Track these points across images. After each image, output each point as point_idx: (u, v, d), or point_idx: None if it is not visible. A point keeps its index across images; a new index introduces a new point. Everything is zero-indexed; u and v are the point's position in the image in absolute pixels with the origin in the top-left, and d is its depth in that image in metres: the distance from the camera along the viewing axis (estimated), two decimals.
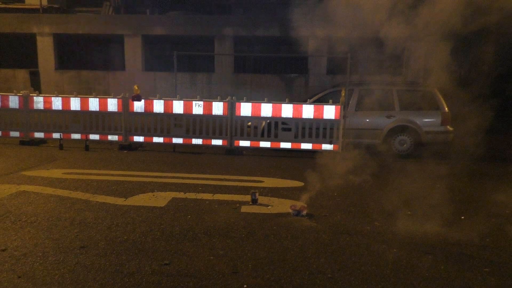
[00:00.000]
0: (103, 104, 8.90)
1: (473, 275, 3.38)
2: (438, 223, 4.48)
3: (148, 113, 8.84)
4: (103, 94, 10.43)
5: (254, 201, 5.09)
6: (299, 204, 5.04)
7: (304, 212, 4.74)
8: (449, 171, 6.96)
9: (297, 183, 6.19)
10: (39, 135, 9.16)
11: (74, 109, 8.96)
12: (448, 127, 8.80)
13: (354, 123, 8.91)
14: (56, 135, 9.00)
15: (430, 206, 5.05)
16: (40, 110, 9.09)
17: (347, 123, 8.66)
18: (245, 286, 3.11)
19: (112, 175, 6.45)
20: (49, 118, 9.14)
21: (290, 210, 4.80)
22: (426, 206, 5.09)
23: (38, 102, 9.07)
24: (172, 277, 3.22)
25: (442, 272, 3.40)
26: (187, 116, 8.77)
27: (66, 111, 9.01)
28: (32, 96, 9.11)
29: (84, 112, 8.96)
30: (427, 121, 8.86)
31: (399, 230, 4.33)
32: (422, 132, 8.79)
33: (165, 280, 3.17)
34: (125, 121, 8.86)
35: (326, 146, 8.54)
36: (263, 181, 6.25)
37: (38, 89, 13.11)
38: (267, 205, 5.05)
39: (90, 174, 6.46)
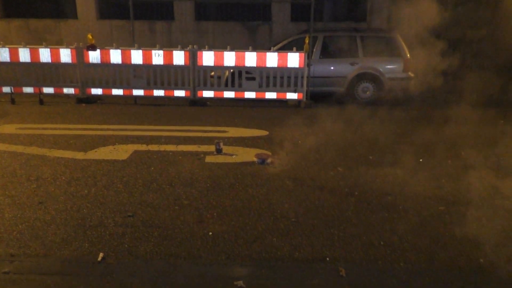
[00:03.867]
0: (55, 55, 8.35)
1: (429, 213, 3.54)
2: (398, 166, 4.62)
3: (105, 64, 8.39)
4: (55, 45, 9.79)
5: (219, 151, 5.05)
6: (263, 152, 5.05)
7: (269, 160, 4.76)
8: (410, 117, 7.15)
9: (262, 132, 6.17)
10: None
11: (23, 61, 8.38)
12: (409, 73, 8.90)
13: (318, 71, 8.85)
14: (6, 89, 8.44)
15: (391, 151, 5.18)
16: None
17: (311, 71, 8.59)
18: (210, 233, 3.13)
19: (70, 129, 6.18)
20: None
21: (255, 159, 4.80)
22: (387, 151, 5.22)
23: None
24: (137, 228, 3.19)
25: (401, 212, 3.54)
26: (147, 66, 8.40)
27: (15, 63, 8.42)
28: None
29: (35, 64, 8.39)
30: (390, 68, 8.89)
31: (361, 174, 4.45)
32: (385, 79, 8.85)
33: (129, 231, 3.14)
34: (81, 73, 8.40)
35: (291, 95, 8.49)
36: (228, 131, 6.19)
37: None
38: (232, 155, 5.03)
39: (46, 128, 6.17)
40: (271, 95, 8.51)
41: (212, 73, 8.66)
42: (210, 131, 6.16)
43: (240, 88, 8.52)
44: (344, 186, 4.11)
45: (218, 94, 8.56)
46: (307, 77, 8.36)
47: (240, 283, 2.48)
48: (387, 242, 3.04)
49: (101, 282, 2.48)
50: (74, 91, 8.52)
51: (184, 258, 2.79)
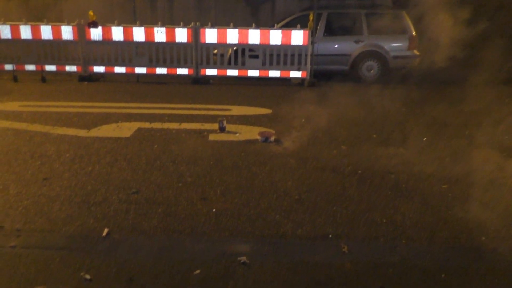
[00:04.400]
0: (57, 32, 8.27)
1: (432, 191, 3.54)
2: (402, 145, 4.61)
3: (107, 41, 8.31)
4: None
5: (222, 129, 5.04)
6: (267, 130, 5.04)
7: (272, 139, 4.75)
8: (415, 95, 7.08)
9: (265, 111, 6.14)
10: None
11: (25, 38, 8.30)
12: (415, 51, 8.77)
13: (322, 49, 8.73)
14: (8, 67, 8.40)
15: (395, 130, 5.16)
16: None
17: (315, 49, 8.48)
18: (214, 210, 3.15)
19: (73, 106, 6.17)
20: None
21: (258, 137, 4.79)
22: (391, 129, 5.20)
23: None
24: (141, 205, 3.21)
25: (404, 190, 3.54)
26: (149, 44, 8.32)
27: (16, 40, 8.35)
28: None
29: (37, 41, 8.33)
30: (395, 46, 8.75)
31: (365, 152, 4.44)
32: (390, 57, 8.73)
33: (133, 208, 3.16)
34: (83, 50, 8.33)
35: (294, 73, 8.41)
36: (231, 109, 6.16)
37: None
38: (235, 133, 5.02)
39: (49, 106, 6.16)
40: (274, 73, 8.44)
41: (215, 51, 8.57)
42: (214, 109, 6.14)
43: (243, 66, 8.44)
44: (347, 164, 4.10)
45: (221, 72, 8.49)
46: (311, 55, 8.27)
47: (244, 258, 2.51)
48: (390, 219, 3.05)
49: (106, 257, 2.51)
50: (77, 69, 8.47)
51: (188, 235, 2.81)
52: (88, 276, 2.31)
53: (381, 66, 8.83)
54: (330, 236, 2.82)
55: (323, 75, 8.65)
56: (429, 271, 2.45)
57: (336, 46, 8.85)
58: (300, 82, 8.54)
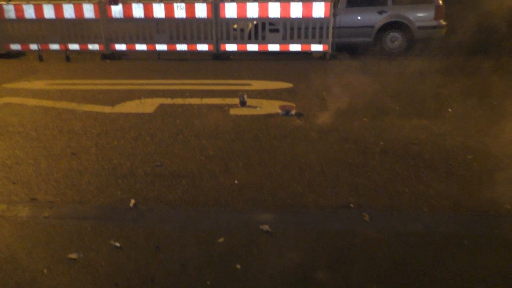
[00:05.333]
0: (79, 11, 8.36)
1: (456, 161, 3.50)
2: (425, 117, 4.53)
3: (128, 18, 8.36)
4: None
5: (243, 103, 5.06)
6: (287, 104, 5.03)
7: (293, 112, 4.74)
8: (439, 67, 6.90)
9: (286, 85, 6.11)
10: (15, 47, 8.72)
11: (48, 17, 8.43)
12: (441, 21, 8.48)
13: (345, 21, 8.54)
14: (33, 46, 8.58)
15: (419, 102, 5.07)
16: (13, 20, 8.54)
17: (337, 21, 8.30)
18: (236, 181, 3.20)
19: (97, 84, 6.29)
20: (23, 28, 8.63)
21: (279, 111, 4.79)
22: (414, 101, 5.11)
23: (9, 10, 8.49)
24: (165, 177, 3.29)
25: (427, 161, 3.51)
26: (170, 20, 8.33)
27: (40, 20, 8.49)
28: (1, 3, 8.50)
29: (60, 20, 8.45)
30: (420, 16, 8.47)
31: (387, 124, 4.39)
32: (415, 28, 8.47)
33: (158, 180, 3.24)
34: (105, 28, 8.41)
35: (316, 47, 8.29)
36: (251, 84, 6.16)
37: None
38: (256, 107, 5.03)
39: (74, 84, 6.30)
40: (295, 47, 8.34)
41: (235, 26, 8.51)
42: (234, 84, 6.15)
43: (264, 40, 8.38)
44: (369, 136, 4.08)
45: (241, 47, 8.45)
46: (332, 27, 8.11)
47: (266, 227, 2.56)
48: (412, 189, 3.04)
49: (134, 226, 2.61)
50: (99, 47, 8.58)
51: (212, 206, 2.88)
52: (118, 244, 2.41)
53: (405, 37, 8.59)
54: (352, 205, 2.84)
55: (346, 48, 8.49)
56: (452, 239, 2.45)
57: (359, 17, 8.64)
58: (321, 55, 8.43)
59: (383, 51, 8.57)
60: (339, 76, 6.09)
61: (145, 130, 4.31)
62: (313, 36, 8.20)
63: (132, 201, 2.90)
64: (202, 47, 8.47)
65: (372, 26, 8.57)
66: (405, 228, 2.57)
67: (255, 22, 8.36)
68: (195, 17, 8.25)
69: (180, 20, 8.30)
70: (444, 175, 3.26)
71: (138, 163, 3.55)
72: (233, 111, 4.89)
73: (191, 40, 8.45)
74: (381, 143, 3.90)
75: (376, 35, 8.62)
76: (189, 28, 8.40)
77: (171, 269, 2.21)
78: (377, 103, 5.11)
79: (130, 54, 8.81)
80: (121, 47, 8.60)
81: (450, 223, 2.62)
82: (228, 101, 5.29)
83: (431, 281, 2.10)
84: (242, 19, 8.30)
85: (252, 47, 8.43)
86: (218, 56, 8.44)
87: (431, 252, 2.34)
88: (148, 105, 5.15)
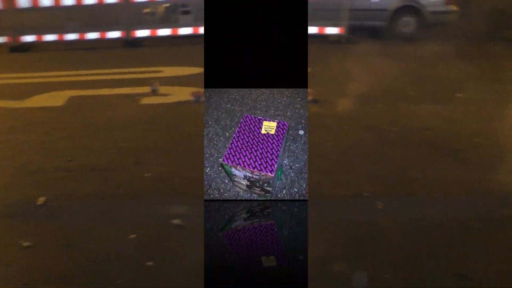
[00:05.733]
0: None
1: (470, 147, 3.57)
2: (439, 102, 4.62)
3: (35, 7, 7.92)
4: None
5: (154, 92, 5.14)
6: (198, 90, 5.15)
7: (203, 98, 4.87)
8: (452, 51, 6.84)
9: (198, 70, 6.15)
10: None
11: None
12: (452, 6, 8.52)
13: (358, 3, 8.40)
14: None
15: (432, 86, 5.16)
16: None
17: (350, 3, 8.16)
18: (149, 174, 3.23)
19: (3, 78, 6.01)
20: None
21: (191, 98, 4.92)
22: (428, 86, 5.18)
23: None
24: (76, 172, 3.29)
25: (440, 147, 3.55)
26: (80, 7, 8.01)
27: None
28: None
29: None
30: (433, 0, 8.48)
31: (401, 110, 4.48)
32: (427, 12, 8.44)
33: (69, 175, 3.24)
34: (12, 18, 7.92)
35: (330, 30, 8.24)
36: (163, 71, 6.22)
37: None
38: (168, 95, 5.14)
39: None
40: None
41: (148, 10, 8.37)
42: (146, 72, 6.17)
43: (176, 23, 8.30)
44: (382, 123, 4.09)
45: (154, 32, 8.32)
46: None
47: (177, 221, 2.58)
48: (426, 175, 3.07)
49: (44, 224, 2.63)
50: (7, 39, 8.06)
51: (124, 199, 2.89)
52: (27, 243, 2.38)
53: (418, 21, 8.50)
54: (365, 194, 2.85)
55: (359, 31, 8.40)
56: (466, 223, 2.49)
57: (372, 0, 8.61)
58: (337, 39, 8.39)
59: (396, 35, 8.47)
60: (351, 60, 5.96)
61: (55, 124, 4.28)
62: None
63: (42, 198, 2.90)
64: (113, 34, 8.22)
65: (384, 10, 8.46)
66: (418, 214, 2.61)
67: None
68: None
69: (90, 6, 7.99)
70: (457, 160, 3.32)
71: (48, 158, 3.52)
72: (144, 100, 4.97)
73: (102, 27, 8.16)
74: (395, 129, 3.94)
75: (390, 19, 8.48)
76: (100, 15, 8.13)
77: (82, 266, 2.20)
78: (391, 88, 5.03)
79: (39, 46, 8.35)
80: (29, 38, 8.13)
81: (464, 207, 2.71)
82: (139, 90, 5.33)
83: (445, 267, 2.10)
84: (153, 3, 8.17)
85: (164, 32, 8.28)
86: (130, 43, 8.24)
87: (445, 239, 2.36)
88: (58, 98, 5.06)
